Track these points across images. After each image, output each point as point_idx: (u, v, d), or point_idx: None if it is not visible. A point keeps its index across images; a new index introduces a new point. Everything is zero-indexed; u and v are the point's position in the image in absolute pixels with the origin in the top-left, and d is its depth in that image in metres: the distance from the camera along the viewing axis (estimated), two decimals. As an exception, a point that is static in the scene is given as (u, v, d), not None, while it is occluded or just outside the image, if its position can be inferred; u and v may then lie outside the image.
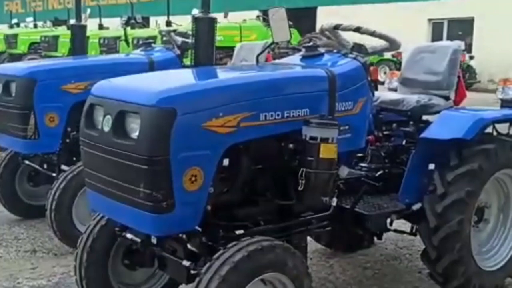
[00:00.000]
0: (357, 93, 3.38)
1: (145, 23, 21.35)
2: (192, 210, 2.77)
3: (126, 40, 6.42)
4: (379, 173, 3.97)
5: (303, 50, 3.60)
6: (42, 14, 37.78)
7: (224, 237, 2.98)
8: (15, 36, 21.25)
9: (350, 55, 3.47)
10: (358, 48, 3.57)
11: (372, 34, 3.55)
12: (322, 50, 3.57)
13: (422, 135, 3.74)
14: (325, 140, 2.98)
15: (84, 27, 5.55)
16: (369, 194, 3.84)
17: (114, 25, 21.01)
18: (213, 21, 3.58)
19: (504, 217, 4.11)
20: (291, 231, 3.27)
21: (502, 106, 4.08)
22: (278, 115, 2.99)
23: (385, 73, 22.89)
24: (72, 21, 5.69)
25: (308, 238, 4.00)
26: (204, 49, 3.56)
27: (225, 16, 14.60)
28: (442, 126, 3.72)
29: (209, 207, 2.87)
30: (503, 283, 4.02)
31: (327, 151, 2.98)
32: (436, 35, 22.67)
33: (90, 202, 3.11)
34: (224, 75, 3.16)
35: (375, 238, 4.70)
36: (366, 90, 3.43)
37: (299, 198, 3.08)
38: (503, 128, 4.05)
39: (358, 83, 3.37)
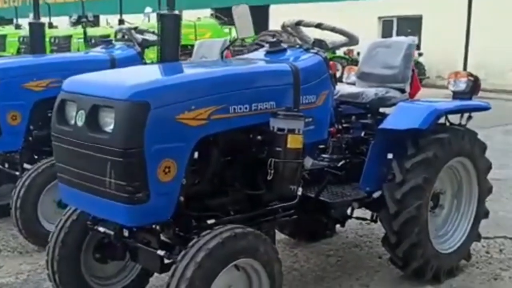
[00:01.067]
0: (320, 86, 3.52)
1: (95, 22, 21.12)
2: (166, 201, 2.86)
3: (86, 39, 6.41)
4: (340, 163, 4.14)
5: (267, 45, 3.73)
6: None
7: (197, 227, 3.08)
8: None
9: (312, 50, 3.61)
10: (319, 43, 3.72)
11: (333, 30, 3.70)
12: (285, 45, 3.70)
13: (381, 126, 3.92)
14: (291, 131, 3.11)
15: (43, 25, 5.53)
16: (332, 184, 4.00)
17: (63, 24, 20.73)
18: (179, 18, 3.65)
19: (458, 202, 4.34)
20: (260, 219, 3.39)
21: (453, 98, 4.29)
22: (246, 108, 3.11)
23: (337, 70, 23.22)
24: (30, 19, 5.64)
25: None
26: (169, 46, 3.62)
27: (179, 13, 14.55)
28: (399, 117, 3.91)
29: (182, 198, 2.97)
30: (457, 264, 4.24)
31: (294, 142, 3.11)
32: (386, 33, 23.17)
33: (62, 196, 3.16)
34: (194, 69, 3.26)
35: (337, 227, 4.92)
36: (328, 83, 3.58)
37: (268, 187, 3.21)
38: (455, 118, 4.28)
39: (320, 77, 3.52)
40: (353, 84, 4.67)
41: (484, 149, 4.28)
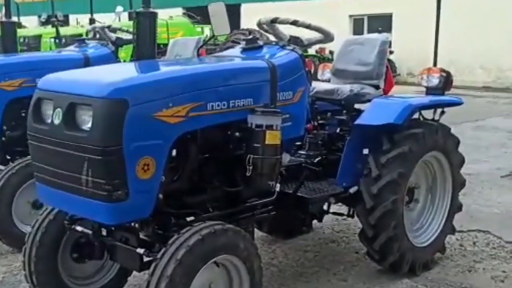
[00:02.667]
0: (296, 83, 3.55)
1: (65, 21, 20.90)
2: (145, 199, 2.86)
3: (59, 38, 6.35)
4: (317, 159, 4.17)
5: (243, 43, 3.74)
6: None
7: (176, 224, 3.08)
8: None
9: (288, 47, 3.63)
10: (295, 40, 3.74)
11: (308, 27, 3.73)
12: (261, 42, 3.72)
13: (356, 122, 3.97)
14: (269, 127, 3.13)
15: (14, 24, 5.46)
16: (309, 180, 4.03)
17: (32, 24, 20.44)
18: (154, 15, 3.65)
19: (432, 197, 4.41)
20: (239, 216, 3.41)
21: (426, 94, 4.36)
22: (224, 104, 3.12)
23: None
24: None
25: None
26: (146, 43, 3.62)
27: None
28: (374, 113, 3.96)
29: (161, 196, 2.96)
30: (433, 257, 4.31)
31: (272, 138, 3.13)
32: (357, 31, 23.36)
33: (39, 195, 3.13)
34: (172, 67, 3.25)
35: (314, 223, 4.95)
36: (304, 80, 3.61)
37: (247, 183, 3.22)
38: (428, 114, 4.35)
39: (296, 74, 3.54)
40: (328, 81, 4.71)
41: (457, 144, 4.36)
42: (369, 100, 4.18)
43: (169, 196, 3.08)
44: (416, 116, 4.27)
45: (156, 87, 2.84)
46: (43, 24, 19.57)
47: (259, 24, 3.89)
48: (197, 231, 2.83)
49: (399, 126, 3.88)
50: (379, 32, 23.37)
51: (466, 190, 5.62)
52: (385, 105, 4.00)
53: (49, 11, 18.31)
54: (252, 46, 3.66)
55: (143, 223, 3.08)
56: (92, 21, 15.01)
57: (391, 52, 21.01)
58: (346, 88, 4.20)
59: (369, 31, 23.36)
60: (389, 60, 18.66)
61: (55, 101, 2.86)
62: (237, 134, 3.23)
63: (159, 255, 2.77)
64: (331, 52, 23.28)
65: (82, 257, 3.44)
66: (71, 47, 5.51)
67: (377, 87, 4.35)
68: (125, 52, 9.19)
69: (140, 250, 3.00)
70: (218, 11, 3.67)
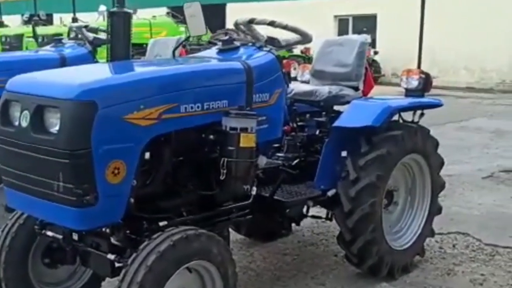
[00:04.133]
0: (273, 84, 3.49)
1: (48, 20, 20.72)
2: (115, 203, 2.79)
3: (35, 37, 6.25)
4: (295, 162, 4.12)
5: (219, 43, 3.68)
6: None
7: (148, 229, 3.01)
8: None
9: (265, 48, 3.58)
10: (272, 41, 3.69)
11: (285, 27, 3.68)
12: (237, 43, 3.66)
13: (334, 124, 3.93)
14: (244, 130, 3.07)
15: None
16: (286, 183, 3.97)
17: (15, 23, 20.23)
18: (129, 15, 3.58)
19: (411, 199, 4.37)
20: (214, 220, 3.35)
21: (406, 95, 4.32)
22: (198, 107, 3.05)
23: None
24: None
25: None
26: (120, 44, 3.55)
27: (134, 13, 14.40)
28: (353, 115, 3.92)
29: (132, 200, 2.90)
30: (412, 260, 4.28)
31: (247, 141, 3.08)
32: (342, 31, 23.37)
33: (8, 200, 3.04)
34: (144, 68, 3.18)
35: (293, 226, 4.90)
36: (281, 81, 3.55)
37: (221, 187, 3.17)
38: (407, 115, 4.31)
39: (273, 75, 3.49)
40: (307, 82, 4.67)
41: (437, 146, 4.33)
42: (348, 102, 4.13)
43: (141, 200, 3.02)
44: (396, 118, 4.25)
45: (127, 89, 2.77)
46: (26, 23, 19.37)
47: (236, 25, 3.83)
48: (168, 236, 2.76)
49: (378, 128, 3.84)
50: (364, 32, 23.48)
51: (447, 191, 5.62)
52: (363, 107, 3.96)
53: (32, 10, 18.14)
54: (228, 47, 3.60)
55: (114, 228, 3.01)
56: (74, 20, 14.92)
57: (375, 53, 21.11)
58: (324, 90, 4.16)
59: (354, 32, 23.42)
60: (373, 61, 18.71)
61: (22, 103, 2.78)
62: (211, 137, 3.17)
63: (129, 261, 2.71)
64: (376, 53, 23.10)
65: (53, 262, 3.37)
66: (48, 47, 5.41)
67: (356, 88, 4.30)
68: (104, 52, 9.11)
69: (111, 256, 2.93)
70: (194, 12, 3.61)
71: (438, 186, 4.40)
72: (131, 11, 3.57)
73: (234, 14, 24.76)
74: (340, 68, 4.37)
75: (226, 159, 3.07)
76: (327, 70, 4.46)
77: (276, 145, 4.24)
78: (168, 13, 15.38)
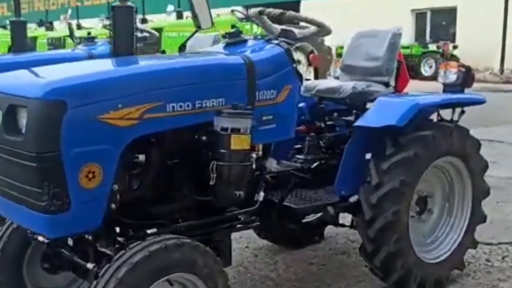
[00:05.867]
0: (281, 80, 3.20)
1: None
2: (91, 209, 2.59)
3: (72, 37, 6.31)
4: (314, 165, 3.81)
5: (227, 37, 3.43)
6: (27, 16, 37.51)
7: (134, 237, 2.81)
8: None
9: (274, 41, 3.30)
10: (286, 33, 3.40)
11: (296, 19, 3.40)
12: (245, 36, 3.41)
13: (357, 123, 3.59)
14: (236, 130, 2.80)
15: (24, 23, 5.36)
16: (304, 187, 3.68)
17: (94, 26, 20.82)
18: (132, 10, 3.41)
19: (449, 207, 3.95)
20: (212, 228, 3.11)
21: (444, 91, 3.91)
22: (188, 105, 2.81)
23: (430, 66, 21.51)
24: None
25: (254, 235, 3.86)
26: (123, 39, 3.39)
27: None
28: (377, 113, 3.56)
29: (113, 205, 2.71)
30: (448, 274, 3.86)
31: (239, 142, 2.81)
32: (420, 25, 22.53)
33: (-7, 203, 2.93)
34: (128, 65, 2.98)
35: (327, 232, 4.59)
36: (291, 77, 3.26)
37: (212, 193, 2.92)
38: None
39: (281, 70, 3.20)
40: (338, 78, 4.33)
41: (478, 147, 3.88)
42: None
43: (128, 205, 2.83)
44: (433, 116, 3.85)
45: (101, 86, 2.57)
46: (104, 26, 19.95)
47: (249, 17, 3.57)
48: (145, 246, 2.54)
49: (405, 128, 3.46)
50: (443, 26, 22.45)
51: (506, 197, 5.13)
52: (388, 105, 3.59)
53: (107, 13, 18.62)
54: (234, 41, 3.35)
55: (97, 235, 2.82)
56: (144, 21, 15.14)
57: (455, 47, 20.10)
58: (348, 86, 3.81)
59: (432, 26, 22.55)
60: (452, 55, 17.70)
61: None
62: (204, 138, 2.93)
63: (101, 272, 2.52)
64: (455, 48, 22.06)
65: (53, 267, 3.23)
66: (80, 46, 5.37)
67: (386, 84, 3.93)
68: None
69: (90, 265, 2.75)
70: (199, 3, 3.39)
71: (481, 192, 3.95)
72: (134, 5, 3.40)
73: (308, 11, 24.45)
74: (369, 62, 4.01)
75: (216, 162, 2.82)
76: (356, 65, 4.10)
77: (298, 146, 3.96)
78: (232, 11, 15.25)
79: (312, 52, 13.52)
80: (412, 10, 22.72)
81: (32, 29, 23.11)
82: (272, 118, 3.16)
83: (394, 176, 3.43)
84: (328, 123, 4.15)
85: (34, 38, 19.28)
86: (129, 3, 3.41)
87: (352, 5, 22.45)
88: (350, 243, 4.61)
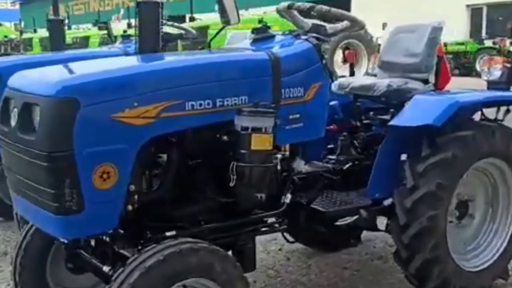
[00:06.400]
0: (309, 77, 3.06)
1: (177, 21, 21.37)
2: (106, 211, 2.52)
3: (110, 36, 6.34)
4: (347, 165, 3.64)
5: (255, 32, 3.31)
6: (84, 17, 38.54)
7: (152, 239, 2.73)
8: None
9: (303, 37, 3.16)
10: (317, 28, 3.26)
11: (328, 13, 3.24)
12: (273, 32, 3.27)
13: (391, 122, 3.41)
14: (257, 130, 2.68)
15: (61, 22, 5.38)
16: (334, 189, 3.51)
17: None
18: (157, 6, 3.32)
19: (493, 211, 3.71)
20: (235, 231, 2.99)
21: (488, 88, 3.67)
22: (208, 104, 2.71)
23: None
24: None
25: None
26: (148, 36, 3.30)
27: (246, 9, 14.43)
28: (412, 112, 3.37)
29: (130, 207, 2.63)
30: (491, 284, 3.62)
31: (260, 142, 2.68)
32: (475, 21, 21.82)
33: (13, 202, 2.90)
34: (146, 62, 2.89)
35: (365, 235, 4.41)
36: (321, 74, 3.11)
37: (231, 195, 2.80)
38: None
39: (309, 67, 3.06)
40: (375, 75, 4.14)
41: (525, 148, 3.63)
42: (414, 97, 3.57)
43: (147, 207, 2.75)
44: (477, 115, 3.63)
45: (115, 84, 2.49)
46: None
47: (278, 12, 3.44)
48: (159, 250, 2.45)
49: (442, 127, 3.25)
50: (500, 22, 21.64)
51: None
52: (425, 103, 3.39)
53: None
54: (260, 36, 3.22)
55: (114, 237, 2.75)
56: (192, 19, 15.23)
57: (512, 43, 19.32)
58: (383, 83, 3.62)
59: (488, 21, 21.79)
60: (510, 52, 16.89)
61: (14, 100, 2.61)
62: (225, 137, 2.81)
63: (114, 276, 2.44)
64: (445, 45, 21.80)
65: (77, 267, 3.19)
66: (117, 44, 5.35)
67: (425, 81, 3.72)
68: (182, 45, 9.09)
69: (106, 268, 2.68)
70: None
71: (528, 196, 3.69)
72: (160, 1, 3.31)
73: (359, 9, 24.06)
74: (408, 58, 3.81)
75: (236, 163, 2.70)
76: (394, 61, 3.91)
77: (331, 146, 3.80)
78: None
79: (347, 48, 13.20)
80: (467, 5, 22.02)
81: (86, 29, 23.75)
82: (299, 117, 3.03)
83: (430, 179, 3.23)
84: (364, 122, 3.97)
85: (87, 38, 19.75)
86: (155, -1, 3.32)
87: (405, 1, 21.93)
88: (389, 248, 4.41)
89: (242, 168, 2.70)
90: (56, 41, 5.32)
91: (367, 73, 4.14)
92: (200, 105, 2.68)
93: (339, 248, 4.35)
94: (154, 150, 2.77)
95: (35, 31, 24.37)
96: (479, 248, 3.67)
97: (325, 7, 3.23)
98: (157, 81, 2.59)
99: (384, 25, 14.59)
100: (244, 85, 2.83)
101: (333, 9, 3.23)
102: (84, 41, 19.49)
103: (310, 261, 4.21)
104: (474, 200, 3.65)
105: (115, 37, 6.42)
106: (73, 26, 24.94)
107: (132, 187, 2.61)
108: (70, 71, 2.64)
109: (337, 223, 3.76)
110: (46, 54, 5.12)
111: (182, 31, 5.49)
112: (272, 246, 4.36)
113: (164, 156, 2.87)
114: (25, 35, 23.30)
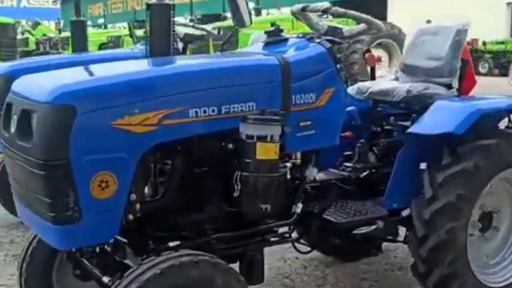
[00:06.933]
0: (322, 83, 2.94)
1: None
2: (105, 221, 2.44)
3: (132, 37, 6.32)
4: (364, 173, 3.50)
5: (266, 36, 3.20)
6: (122, 16, 38.99)
7: (154, 250, 2.65)
8: None
9: (317, 40, 3.03)
10: (333, 31, 3.13)
11: (344, 15, 3.11)
12: (286, 35, 3.16)
13: (410, 129, 3.26)
14: (262, 138, 2.57)
15: (83, 23, 5.36)
16: (350, 198, 3.38)
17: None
18: (169, 8, 3.24)
19: (520, 224, 3.52)
20: (243, 241, 2.89)
21: (516, 94, 3.49)
22: (213, 111, 2.61)
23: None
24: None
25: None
26: (159, 38, 3.23)
27: (278, 8, 14.31)
28: (432, 119, 3.22)
29: (131, 216, 2.55)
30: (516, 301, 3.44)
31: (265, 151, 2.57)
32: (516, 19, 21.24)
33: (16, 208, 2.85)
34: (149, 67, 2.80)
35: (386, 244, 4.26)
36: (334, 79, 2.99)
37: (236, 205, 2.70)
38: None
39: (321, 72, 2.93)
40: (397, 79, 3.98)
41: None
42: (437, 103, 3.40)
43: (150, 216, 2.67)
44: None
45: (115, 91, 2.41)
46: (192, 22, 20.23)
47: (293, 14, 3.32)
48: (158, 263, 2.36)
49: (463, 135, 3.09)
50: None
51: None
52: (446, 109, 3.23)
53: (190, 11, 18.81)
54: (273, 40, 3.11)
55: (115, 246, 2.68)
56: (223, 18, 15.20)
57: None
58: (403, 89, 3.47)
59: (529, 20, 21.15)
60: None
61: (15, 106, 2.56)
62: (231, 145, 2.71)
63: (111, 288, 2.37)
64: (484, 44, 21.46)
65: (83, 275, 3.13)
66: (138, 45, 5.30)
67: (449, 86, 3.55)
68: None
69: (106, 279, 2.61)
70: (239, 1, 3.18)
71: (556, 208, 3.49)
72: (171, 3, 3.24)
73: (396, 8, 23.68)
74: (431, 61, 3.64)
75: (240, 173, 2.60)
76: (417, 65, 3.75)
77: (348, 152, 3.67)
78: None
79: (368, 50, 12.91)
80: (508, 4, 21.42)
81: (121, 28, 24.01)
82: (310, 124, 2.91)
83: (450, 189, 3.07)
84: (384, 128, 3.82)
85: (119, 37, 19.98)
86: (166, 1, 3.24)
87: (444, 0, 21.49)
88: (410, 258, 4.17)
89: (246, 178, 2.60)
90: (78, 42, 5.29)
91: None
92: (205, 112, 2.59)
93: (359, 258, 4.21)
94: (157, 158, 2.69)
95: (71, 30, 24.80)
96: (504, 262, 3.48)
97: (340, 9, 3.11)
98: (159, 87, 2.50)
99: (428, 23, 14.30)
100: (252, 91, 2.72)
101: (349, 11, 3.11)
102: (118, 40, 19.72)
103: (327, 270, 4.07)
104: (499, 212, 3.46)
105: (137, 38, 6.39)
106: (109, 25, 25.19)
107: (134, 196, 2.53)
108: (69, 77, 2.56)
109: (354, 232, 3.62)
110: (64, 55, 5.09)
111: (204, 32, 5.42)
112: (289, 254, 4.24)
113: (165, 164, 2.79)
114: (63, 34, 23.62)
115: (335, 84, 2.99)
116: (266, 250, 3.30)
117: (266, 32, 3.18)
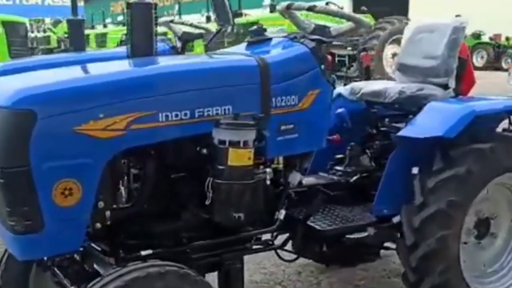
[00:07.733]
0: (305, 84, 2.81)
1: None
2: (69, 230, 2.33)
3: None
4: (354, 178, 3.36)
5: (250, 35, 3.07)
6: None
7: (125, 259, 2.55)
8: (105, 34, 22.36)
9: (301, 40, 2.90)
10: (321, 30, 3.00)
11: (330, 13, 2.97)
12: (269, 35, 3.03)
13: (400, 133, 3.12)
14: (235, 144, 2.45)
15: (81, 22, 5.28)
16: (338, 204, 3.24)
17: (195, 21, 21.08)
18: (150, 7, 3.12)
19: (519, 230, 3.35)
20: (221, 249, 2.77)
21: (515, 95, 3.32)
22: (186, 114, 2.49)
23: (482, 57, 21.20)
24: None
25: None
26: (140, 38, 3.12)
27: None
28: (424, 122, 3.07)
29: (98, 224, 2.45)
30: (514, 312, 3.28)
31: (237, 158, 2.45)
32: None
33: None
34: (117, 69, 2.67)
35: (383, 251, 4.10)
36: (319, 80, 2.85)
37: (208, 213, 2.59)
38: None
39: (305, 73, 2.80)
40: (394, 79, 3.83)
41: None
42: (432, 104, 3.25)
43: (122, 224, 2.56)
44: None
45: (78, 94, 2.30)
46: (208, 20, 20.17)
47: (280, 12, 3.19)
48: (121, 274, 2.26)
49: (455, 139, 2.94)
50: None
51: None
52: (438, 112, 3.08)
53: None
54: (255, 40, 2.99)
55: (84, 255, 2.58)
56: (239, 15, 15.04)
57: None
58: (395, 89, 3.33)
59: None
60: None
61: None
62: (204, 151, 2.59)
63: (73, 302, 2.27)
64: (508, 39, 21.13)
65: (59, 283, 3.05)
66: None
67: (445, 86, 3.39)
68: (199, 46, 8.91)
69: (72, 288, 2.52)
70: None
71: (558, 214, 3.32)
72: (153, 2, 3.12)
73: (417, 5, 23.29)
74: (427, 60, 3.49)
75: (211, 179, 2.49)
76: (413, 64, 3.60)
77: (339, 156, 3.53)
78: (327, 3, 14.80)
79: (364, 50, 12.66)
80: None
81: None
82: (293, 128, 2.78)
83: (441, 195, 2.92)
84: (378, 130, 3.67)
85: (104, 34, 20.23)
86: (147, 0, 3.13)
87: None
88: (409, 264, 4.08)
89: (218, 185, 2.48)
90: (76, 41, 5.21)
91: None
92: (176, 116, 2.47)
93: (356, 263, 4.05)
94: (127, 163, 2.58)
95: (92, 27, 24.92)
96: (502, 271, 3.32)
97: (326, 8, 2.99)
98: (126, 90, 2.39)
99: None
100: (228, 93, 2.60)
101: (335, 10, 3.00)
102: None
103: (321, 276, 3.94)
104: (497, 218, 3.30)
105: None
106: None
107: (102, 204, 2.43)
108: (30, 81, 2.47)
109: (346, 237, 3.47)
110: (55, 56, 5.02)
111: (203, 31, 5.31)
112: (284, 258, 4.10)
113: (136, 170, 2.68)
114: (85, 31, 23.87)
115: (319, 86, 2.85)
116: (260, 254, 3.21)
117: (250, 31, 3.06)
